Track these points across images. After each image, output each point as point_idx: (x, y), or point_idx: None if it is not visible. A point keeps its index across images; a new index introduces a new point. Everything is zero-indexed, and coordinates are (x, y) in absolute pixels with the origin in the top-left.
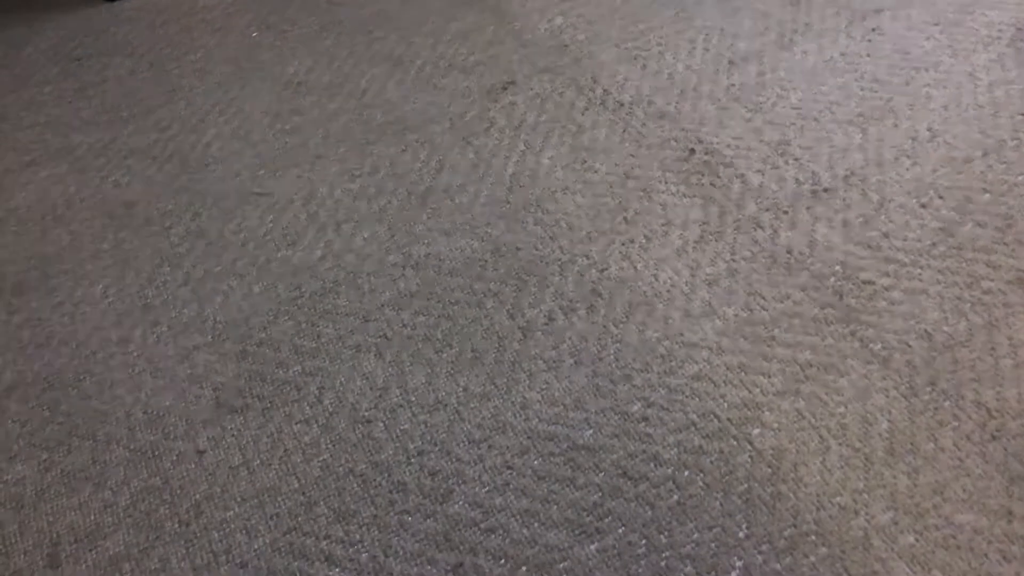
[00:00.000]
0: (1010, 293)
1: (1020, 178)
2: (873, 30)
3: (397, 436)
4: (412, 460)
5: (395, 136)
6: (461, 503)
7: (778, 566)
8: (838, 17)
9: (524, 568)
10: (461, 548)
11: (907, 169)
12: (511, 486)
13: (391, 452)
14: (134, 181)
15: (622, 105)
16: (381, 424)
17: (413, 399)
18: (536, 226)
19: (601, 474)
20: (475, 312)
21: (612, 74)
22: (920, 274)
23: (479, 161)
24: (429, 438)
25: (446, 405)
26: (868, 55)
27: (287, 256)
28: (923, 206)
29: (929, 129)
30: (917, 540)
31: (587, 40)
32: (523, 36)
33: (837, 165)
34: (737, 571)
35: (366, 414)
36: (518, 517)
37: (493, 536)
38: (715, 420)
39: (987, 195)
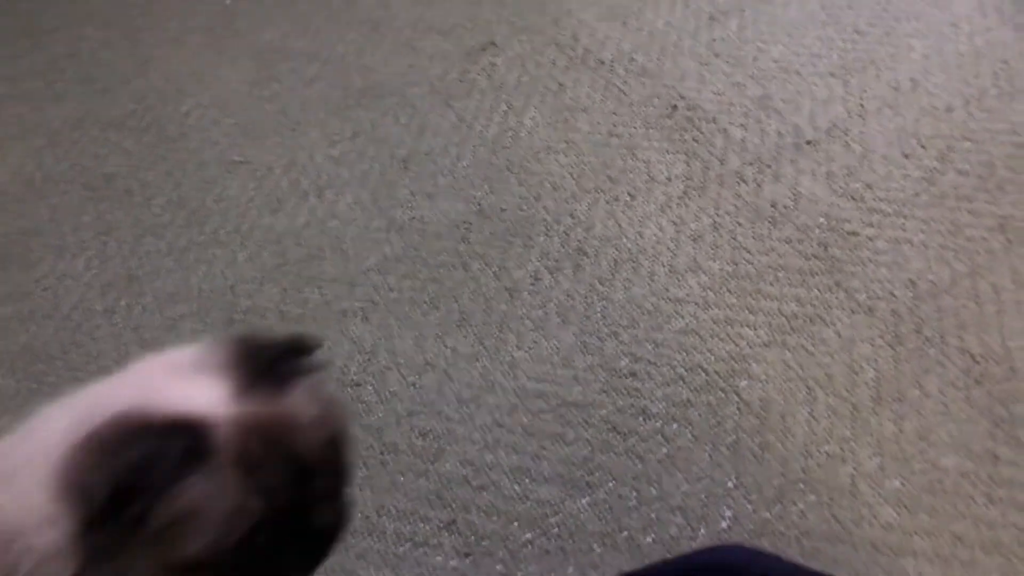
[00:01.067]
0: (992, 240)
1: (1001, 126)
2: None
3: (387, 399)
4: (402, 421)
5: (375, 100)
6: (452, 462)
7: (767, 515)
8: None
9: (516, 523)
10: (453, 506)
11: (889, 120)
12: (502, 443)
13: (381, 414)
14: (112, 153)
15: (603, 63)
16: (370, 387)
17: (402, 361)
18: (520, 187)
19: (590, 429)
20: (461, 274)
21: (592, 32)
22: (903, 224)
23: (461, 123)
24: (419, 399)
25: (435, 367)
26: (849, 7)
27: (270, 223)
28: (906, 156)
29: (911, 79)
30: (903, 485)
31: None
32: None
33: (819, 117)
34: (727, 521)
35: (355, 378)
36: (509, 474)
37: (485, 493)
38: (702, 374)
39: (968, 143)
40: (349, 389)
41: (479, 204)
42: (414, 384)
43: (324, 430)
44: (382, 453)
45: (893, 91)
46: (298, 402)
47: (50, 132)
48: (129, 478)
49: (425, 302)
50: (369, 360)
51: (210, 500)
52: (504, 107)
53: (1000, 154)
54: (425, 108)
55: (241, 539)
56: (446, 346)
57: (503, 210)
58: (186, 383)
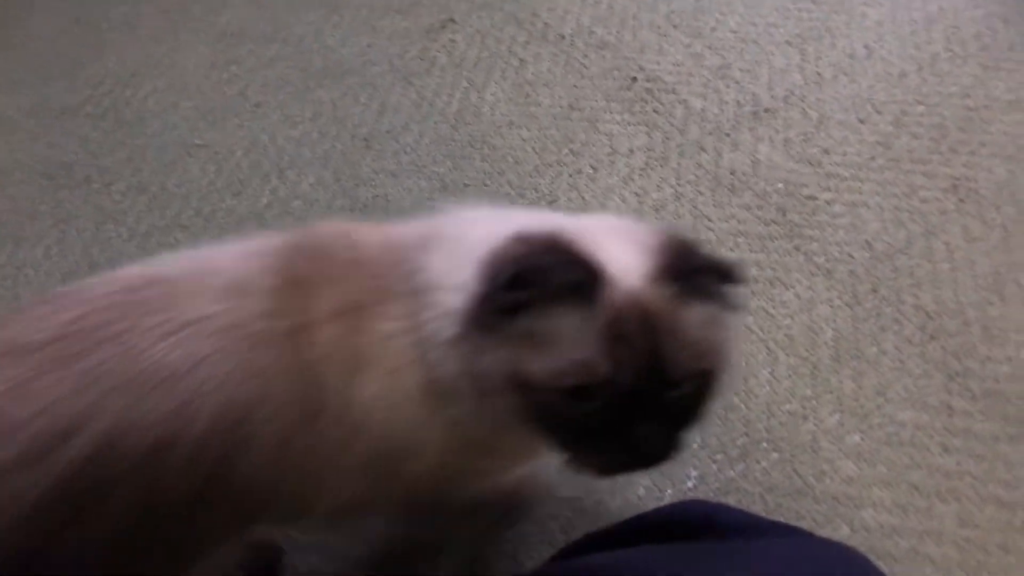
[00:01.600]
0: (945, 200)
1: (953, 89)
2: None
3: None
4: None
5: (335, 81)
6: None
7: (732, 473)
8: None
9: None
10: None
11: (845, 86)
12: None
13: None
14: (69, 141)
15: (563, 37)
16: None
17: None
18: (483, 162)
19: None
20: None
21: (552, 7)
22: (860, 187)
23: (422, 101)
24: None
25: None
26: None
27: (232, 206)
28: (861, 121)
29: (865, 46)
30: (863, 439)
31: None
32: None
33: (777, 86)
34: (693, 481)
35: None
36: None
37: None
38: None
39: (921, 107)
40: None
41: (442, 180)
42: None
43: (697, 362)
44: None
45: (848, 58)
46: (691, 318)
47: (5, 121)
48: (528, 275)
49: None
50: None
51: (570, 335)
52: (465, 84)
53: (952, 116)
54: (386, 87)
55: (572, 392)
56: None
57: (466, 186)
58: (617, 242)
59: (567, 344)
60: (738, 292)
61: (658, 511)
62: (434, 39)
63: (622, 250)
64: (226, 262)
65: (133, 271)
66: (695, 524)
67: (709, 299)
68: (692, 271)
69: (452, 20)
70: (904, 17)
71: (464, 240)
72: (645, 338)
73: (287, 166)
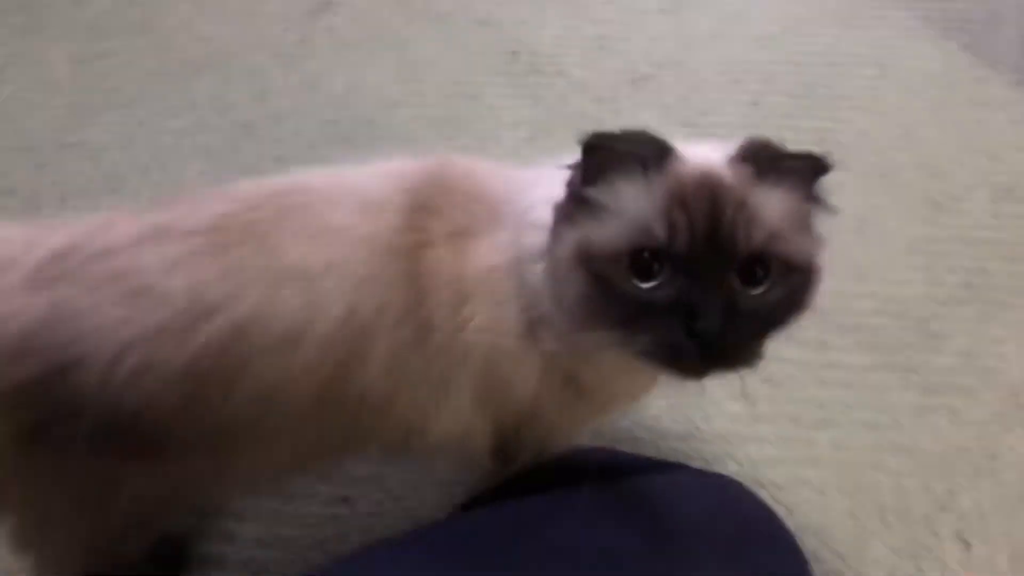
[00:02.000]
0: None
1: (818, 48)
2: None
3: None
4: None
5: (214, 69)
6: None
7: (626, 423)
8: None
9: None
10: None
11: (717, 50)
12: None
13: None
14: None
15: (444, 15)
16: None
17: None
18: (371, 142)
19: None
20: None
21: None
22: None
23: (305, 85)
24: None
25: None
26: None
27: (112, 203)
28: (735, 82)
29: (736, 11)
30: (744, 380)
31: None
32: None
33: (654, 52)
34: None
35: None
36: None
37: None
38: None
39: (789, 67)
40: None
41: (330, 163)
42: None
43: (766, 243)
44: None
45: (720, 23)
46: (765, 198)
47: None
48: (600, 145)
49: None
50: None
51: (632, 201)
52: (348, 65)
53: (816, 75)
54: (267, 72)
55: (632, 262)
56: None
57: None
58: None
59: (627, 210)
60: (826, 189)
61: (561, 458)
62: (315, 22)
63: (704, 147)
64: (364, 179)
65: (283, 179)
66: (596, 467)
67: (791, 189)
68: (772, 158)
69: (331, 2)
70: None
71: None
72: (707, 206)
73: (168, 158)
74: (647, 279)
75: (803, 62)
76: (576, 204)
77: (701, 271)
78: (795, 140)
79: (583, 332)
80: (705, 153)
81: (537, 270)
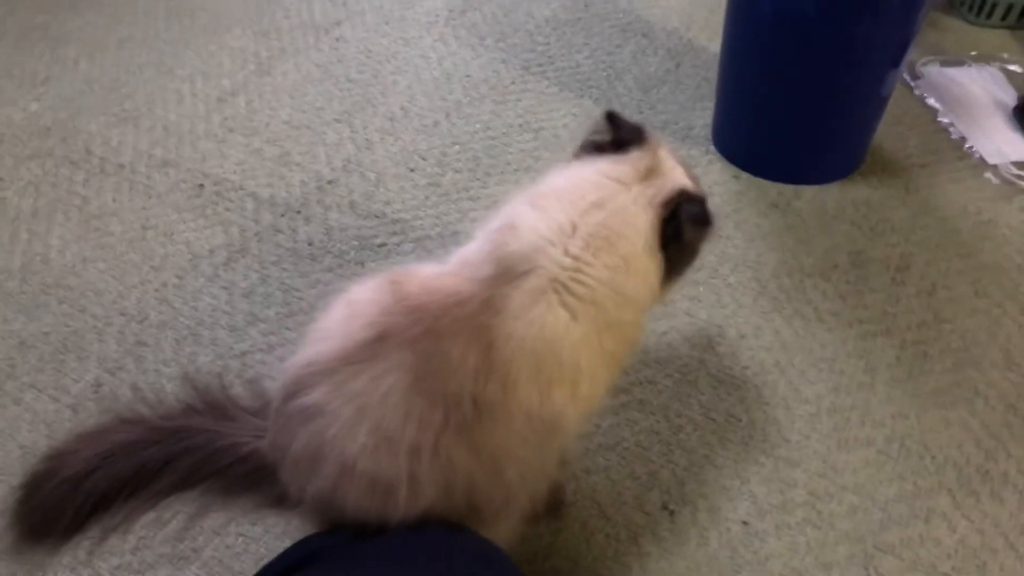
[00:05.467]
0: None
1: (477, 126)
2: (338, 39)
3: None
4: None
5: None
6: None
7: None
8: (306, 36)
9: None
10: None
11: (392, 144)
12: None
13: None
14: None
15: (123, 166)
16: None
17: None
18: (61, 304)
19: None
20: (14, 410)
21: (105, 141)
22: (421, 224)
23: None
24: None
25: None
26: (339, 61)
27: None
28: (411, 170)
29: (401, 108)
30: None
31: (70, 117)
32: None
33: (335, 159)
34: None
35: None
36: None
37: None
38: None
39: (457, 147)
40: None
41: (18, 336)
42: None
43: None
44: None
45: (390, 121)
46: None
47: None
48: (693, 218)
49: None
50: None
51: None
52: (25, 235)
53: (481, 148)
54: None
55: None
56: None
57: (47, 333)
58: (678, 173)
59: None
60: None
61: (283, 554)
62: None
63: (680, 175)
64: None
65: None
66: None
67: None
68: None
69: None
70: (427, 76)
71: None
72: (702, 204)
73: None
74: None
75: (467, 141)
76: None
77: None
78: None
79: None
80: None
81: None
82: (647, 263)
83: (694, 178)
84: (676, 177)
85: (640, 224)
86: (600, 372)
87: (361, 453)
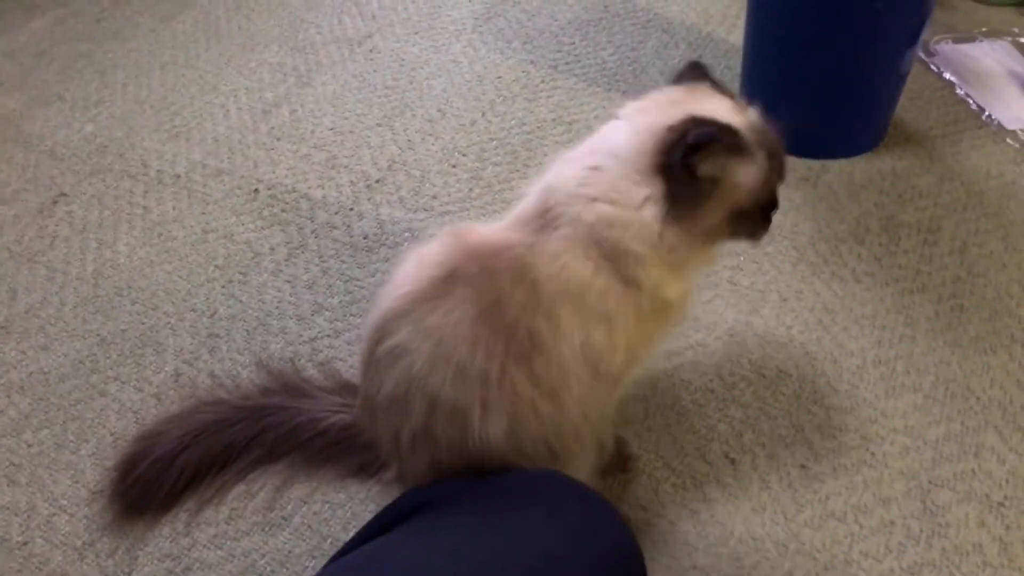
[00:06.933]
0: None
1: (512, 122)
2: (371, 51)
3: (59, 543)
4: (87, 551)
5: None
6: None
7: None
8: (340, 49)
9: None
10: None
11: (432, 144)
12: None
13: (60, 559)
14: None
15: (179, 177)
16: (40, 540)
17: (64, 503)
18: (135, 304)
19: None
20: (102, 401)
21: (160, 155)
22: (468, 215)
23: (54, 273)
24: (95, 530)
25: (103, 492)
26: (374, 70)
27: None
28: (453, 167)
29: (438, 110)
30: None
31: (124, 135)
32: (57, 152)
33: (380, 159)
34: None
35: (20, 538)
36: None
37: None
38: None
39: (495, 142)
40: (17, 551)
41: (98, 335)
42: (86, 517)
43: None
44: None
45: (429, 123)
46: (760, 120)
47: None
48: (701, 140)
49: (71, 441)
50: (29, 516)
51: (750, 172)
52: (95, 244)
53: (518, 142)
54: (9, 273)
55: (766, 195)
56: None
57: (124, 331)
58: (710, 103)
59: (750, 176)
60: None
61: (391, 505)
62: (49, 216)
63: (718, 105)
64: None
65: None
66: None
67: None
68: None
69: (64, 194)
70: (460, 80)
71: (621, 168)
72: (775, 145)
73: None
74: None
75: (504, 136)
76: (695, 186)
77: None
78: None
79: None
80: (720, 111)
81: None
82: (635, 194)
83: (747, 115)
84: (701, 107)
85: (627, 152)
86: (632, 323)
87: (443, 384)
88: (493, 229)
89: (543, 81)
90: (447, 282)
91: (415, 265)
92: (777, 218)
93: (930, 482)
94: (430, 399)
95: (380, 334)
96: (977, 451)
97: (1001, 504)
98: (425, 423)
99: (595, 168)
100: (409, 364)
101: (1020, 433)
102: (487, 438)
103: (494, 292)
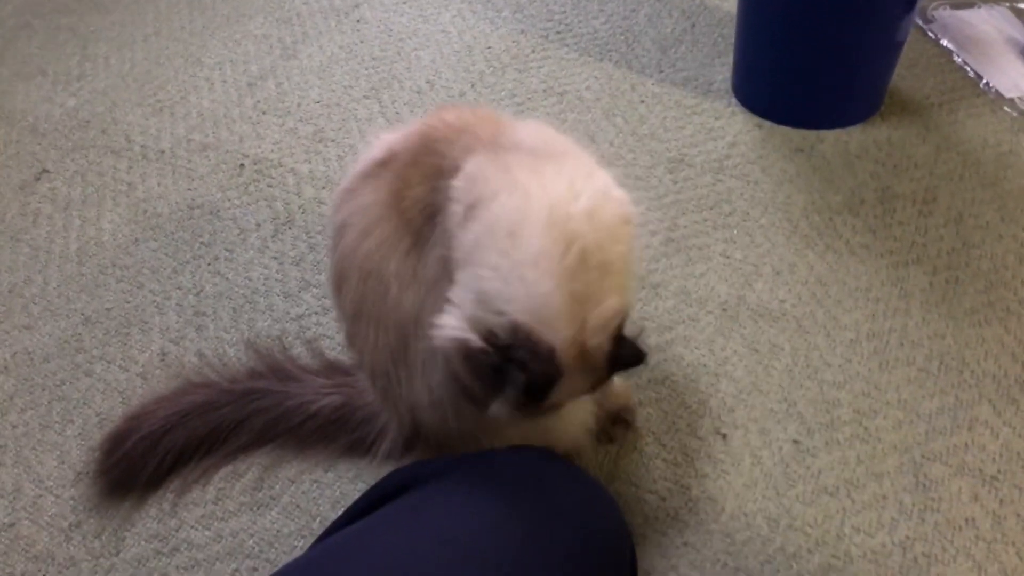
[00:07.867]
0: None
1: (503, 93)
2: (358, 21)
3: (46, 524)
4: (72, 533)
5: None
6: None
7: None
8: (327, 20)
9: None
10: None
11: (421, 116)
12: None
13: (46, 540)
14: None
15: (163, 152)
16: (26, 522)
17: (51, 484)
18: (120, 283)
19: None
20: (87, 381)
21: (144, 130)
22: None
23: (37, 251)
24: (82, 511)
25: (87, 473)
26: (361, 41)
27: None
28: None
29: (427, 81)
30: None
31: (107, 110)
32: (39, 127)
33: (368, 133)
34: None
35: (6, 519)
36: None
37: None
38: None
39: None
40: (3, 533)
41: (83, 314)
42: (72, 498)
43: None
44: None
45: (417, 95)
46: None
47: None
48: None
49: (57, 422)
50: (15, 498)
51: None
52: (78, 222)
53: (508, 113)
54: None
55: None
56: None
57: (109, 309)
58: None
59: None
60: None
61: (378, 484)
62: (32, 192)
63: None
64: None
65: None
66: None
67: None
68: None
69: (46, 170)
70: (449, 51)
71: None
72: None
73: None
74: None
75: (496, 106)
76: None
77: None
78: None
79: None
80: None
81: None
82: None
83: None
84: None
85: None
86: None
87: (367, 256)
88: (470, 111)
89: (533, 51)
90: (383, 164)
91: (375, 147)
92: (771, 190)
93: (923, 456)
94: (361, 270)
95: (333, 210)
96: (971, 424)
97: (994, 478)
98: (361, 296)
99: None
100: (347, 239)
101: (1014, 406)
102: (404, 310)
103: (402, 182)
